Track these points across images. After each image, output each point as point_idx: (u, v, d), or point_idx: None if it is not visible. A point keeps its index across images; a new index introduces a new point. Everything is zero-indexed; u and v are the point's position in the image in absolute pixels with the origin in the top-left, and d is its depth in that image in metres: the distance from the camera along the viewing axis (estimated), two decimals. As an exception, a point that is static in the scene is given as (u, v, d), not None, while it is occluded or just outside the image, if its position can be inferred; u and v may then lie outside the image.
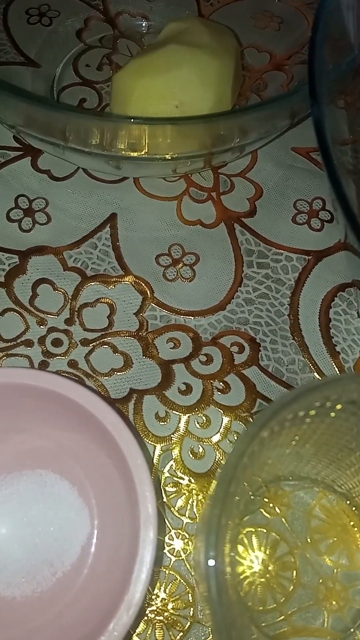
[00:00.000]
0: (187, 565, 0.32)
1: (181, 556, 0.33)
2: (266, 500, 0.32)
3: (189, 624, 0.31)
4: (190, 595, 0.32)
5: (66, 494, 0.32)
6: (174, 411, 0.36)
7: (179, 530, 0.33)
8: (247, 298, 0.40)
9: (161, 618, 0.31)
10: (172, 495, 0.34)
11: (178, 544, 0.33)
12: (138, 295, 0.40)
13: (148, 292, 0.40)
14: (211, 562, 0.19)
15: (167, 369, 0.37)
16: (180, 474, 0.35)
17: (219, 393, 0.37)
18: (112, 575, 0.28)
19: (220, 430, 0.36)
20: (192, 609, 0.31)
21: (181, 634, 0.31)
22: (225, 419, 0.36)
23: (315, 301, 0.40)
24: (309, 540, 0.31)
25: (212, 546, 0.19)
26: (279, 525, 0.32)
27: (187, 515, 0.34)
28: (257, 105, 0.36)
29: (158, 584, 0.32)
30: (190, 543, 0.33)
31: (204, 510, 0.33)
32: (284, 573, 0.31)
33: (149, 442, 0.35)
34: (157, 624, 0.31)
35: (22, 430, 0.32)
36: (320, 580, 0.30)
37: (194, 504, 0.34)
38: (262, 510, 0.32)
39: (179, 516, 0.34)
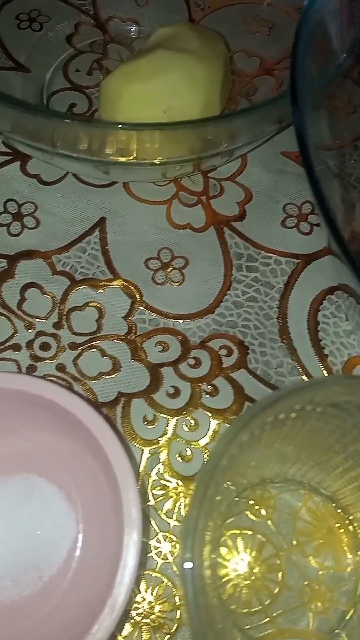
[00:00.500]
0: (174, 568, 0.33)
1: (168, 559, 0.33)
2: (252, 502, 0.32)
3: (175, 626, 0.31)
4: (177, 597, 0.32)
5: (53, 497, 0.32)
6: (162, 414, 0.36)
7: (166, 533, 0.33)
8: (236, 301, 0.40)
9: (148, 621, 0.31)
10: (160, 498, 0.34)
11: (165, 547, 0.33)
12: (127, 298, 0.40)
13: (137, 295, 0.40)
14: (187, 565, 0.19)
15: (155, 373, 0.38)
16: (168, 477, 0.35)
17: (207, 396, 0.37)
18: (98, 578, 0.28)
19: (209, 433, 0.36)
20: (178, 611, 0.32)
21: (168, 636, 0.31)
22: (214, 422, 0.36)
23: (304, 304, 0.40)
24: (294, 542, 0.31)
25: (188, 549, 0.19)
26: (265, 527, 0.32)
27: (174, 518, 0.34)
28: (244, 110, 0.36)
29: (145, 587, 0.32)
30: (177, 546, 0.33)
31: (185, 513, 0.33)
32: (270, 575, 0.31)
33: (137, 445, 0.36)
34: (143, 626, 0.31)
35: (8, 434, 0.32)
36: (306, 582, 0.31)
37: (182, 506, 0.34)
38: (248, 513, 0.32)
39: (166, 519, 0.34)
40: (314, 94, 0.33)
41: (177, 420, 0.36)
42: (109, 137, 0.35)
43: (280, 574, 0.31)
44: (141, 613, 0.31)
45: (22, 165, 0.44)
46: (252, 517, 0.32)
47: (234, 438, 0.21)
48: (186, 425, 0.36)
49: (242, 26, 0.49)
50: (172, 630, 0.31)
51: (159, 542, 0.33)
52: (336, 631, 0.30)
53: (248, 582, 0.30)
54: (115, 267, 0.41)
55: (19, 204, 0.42)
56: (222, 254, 0.42)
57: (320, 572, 0.31)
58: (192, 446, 0.36)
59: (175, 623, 0.31)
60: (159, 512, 0.34)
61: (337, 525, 0.31)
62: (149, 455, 0.35)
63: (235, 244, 0.42)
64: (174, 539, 0.33)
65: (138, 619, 0.31)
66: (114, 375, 0.37)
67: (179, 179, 0.44)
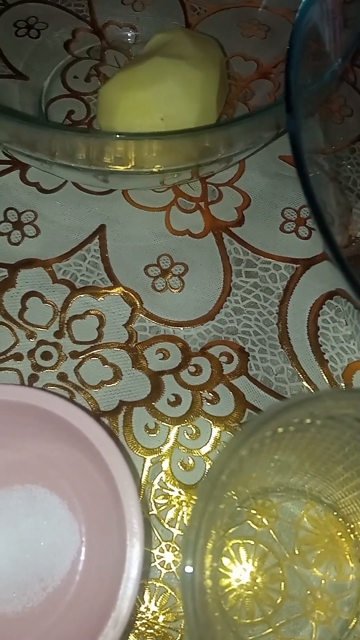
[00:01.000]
0: (178, 578, 0.33)
1: (171, 569, 0.33)
2: (254, 511, 0.32)
3: (179, 636, 0.31)
4: (180, 607, 0.32)
5: (56, 508, 0.32)
6: (163, 423, 0.37)
7: (169, 543, 0.34)
8: (236, 307, 0.40)
9: (152, 631, 0.31)
10: (162, 508, 0.34)
11: (168, 557, 0.33)
12: (127, 306, 0.40)
13: (137, 303, 0.40)
14: (187, 576, 0.19)
15: (156, 380, 0.38)
16: (170, 486, 0.35)
17: (208, 404, 0.37)
18: (101, 590, 0.28)
19: (210, 441, 0.36)
20: (182, 621, 0.32)
21: (172, 646, 0.31)
22: (215, 430, 0.36)
23: (303, 309, 0.40)
24: (296, 551, 0.31)
25: (189, 560, 0.19)
26: (267, 536, 0.32)
27: (177, 527, 0.34)
28: (241, 118, 0.36)
29: (148, 597, 0.32)
30: (180, 555, 0.33)
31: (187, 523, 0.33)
32: (272, 585, 0.31)
33: (139, 454, 0.36)
34: (147, 637, 0.31)
35: (9, 446, 0.32)
36: (308, 592, 0.31)
37: (184, 515, 0.34)
38: (250, 522, 0.32)
39: (169, 528, 0.34)
40: (309, 101, 0.32)
41: (178, 428, 0.36)
42: (106, 147, 0.35)
43: (282, 584, 0.31)
44: (145, 623, 0.32)
45: (21, 173, 0.44)
46: (254, 526, 0.32)
47: (233, 454, 0.21)
48: (187, 434, 0.36)
49: (239, 30, 0.49)
50: (176, 640, 0.31)
51: (162, 551, 0.33)
52: (339, 640, 0.30)
53: (250, 592, 0.30)
54: (115, 274, 0.41)
55: (19, 213, 0.42)
56: (221, 260, 0.42)
57: (323, 582, 0.31)
58: (193, 454, 0.36)
59: (179, 633, 0.31)
60: (162, 521, 0.34)
61: (339, 534, 0.31)
62: (151, 464, 0.35)
63: (234, 249, 0.42)
64: (177, 548, 0.33)
65: (142, 629, 0.31)
66: (115, 384, 0.37)
67: (178, 186, 0.44)
